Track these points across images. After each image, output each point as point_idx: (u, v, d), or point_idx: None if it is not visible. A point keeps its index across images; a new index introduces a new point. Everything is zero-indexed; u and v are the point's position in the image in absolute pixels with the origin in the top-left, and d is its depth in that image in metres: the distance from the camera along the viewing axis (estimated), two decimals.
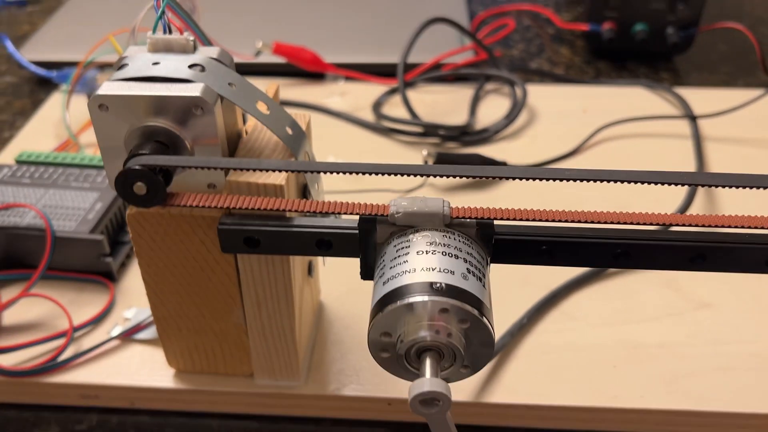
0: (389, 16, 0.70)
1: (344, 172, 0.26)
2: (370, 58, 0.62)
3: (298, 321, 0.33)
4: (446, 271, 0.24)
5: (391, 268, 0.25)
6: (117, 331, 0.37)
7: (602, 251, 0.27)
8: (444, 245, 0.25)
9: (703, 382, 0.35)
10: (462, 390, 0.34)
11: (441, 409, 0.23)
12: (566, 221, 0.26)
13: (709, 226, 0.26)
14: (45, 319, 0.38)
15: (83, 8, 0.73)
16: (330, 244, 0.28)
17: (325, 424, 0.35)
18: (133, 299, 0.39)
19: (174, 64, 0.28)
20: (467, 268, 0.25)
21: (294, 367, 0.34)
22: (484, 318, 0.24)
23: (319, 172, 0.27)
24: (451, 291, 0.23)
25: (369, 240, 0.27)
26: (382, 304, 0.24)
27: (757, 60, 0.64)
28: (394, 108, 0.56)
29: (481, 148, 0.52)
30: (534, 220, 0.26)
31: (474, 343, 0.24)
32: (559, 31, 0.72)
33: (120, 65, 0.28)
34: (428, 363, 0.23)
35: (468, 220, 0.26)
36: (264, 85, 0.56)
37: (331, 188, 0.48)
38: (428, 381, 0.23)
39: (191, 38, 0.29)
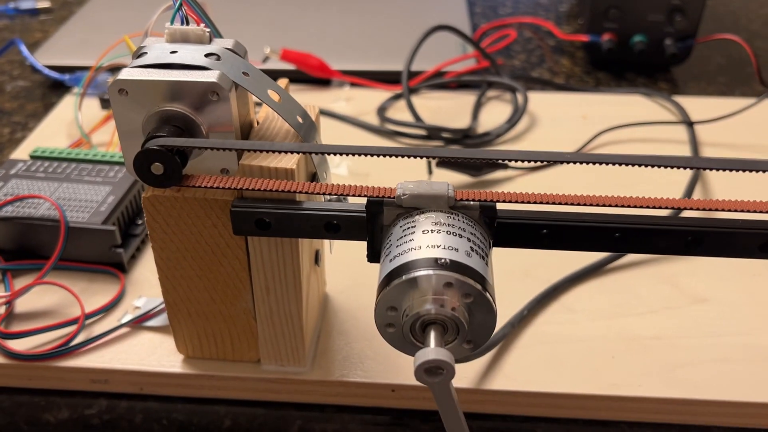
0: (394, 25, 0.72)
1: (354, 154, 0.27)
2: (375, 65, 0.64)
3: (305, 307, 0.33)
4: (450, 248, 0.25)
5: (397, 246, 0.26)
6: (127, 318, 0.38)
7: (600, 235, 0.28)
8: (448, 225, 0.26)
9: (699, 372, 0.36)
10: (465, 377, 0.35)
11: (445, 378, 0.24)
12: (566, 203, 0.27)
13: (704, 209, 0.27)
14: (57, 306, 0.39)
15: (94, 17, 0.75)
16: (338, 227, 0.29)
17: (329, 411, 0.36)
18: (143, 289, 0.40)
19: (191, 53, 0.29)
20: (471, 247, 0.26)
21: (300, 353, 0.35)
22: (486, 293, 0.25)
23: (331, 153, 0.28)
24: (455, 266, 0.24)
25: (376, 222, 0.28)
26: (388, 280, 0.25)
27: (753, 71, 0.66)
28: (399, 113, 0.58)
29: None
30: (535, 203, 0.27)
31: (477, 318, 0.25)
32: (559, 43, 0.74)
33: (139, 53, 0.29)
34: (432, 335, 0.24)
35: (471, 202, 0.27)
36: None
37: (336, 182, 0.49)
38: (433, 350, 0.23)
39: (207, 29, 0.30)
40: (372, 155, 0.27)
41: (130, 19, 0.72)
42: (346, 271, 0.41)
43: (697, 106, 0.58)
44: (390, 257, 0.26)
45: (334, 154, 0.28)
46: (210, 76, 0.28)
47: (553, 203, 0.27)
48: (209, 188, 0.28)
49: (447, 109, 0.59)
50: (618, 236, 0.28)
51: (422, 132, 0.55)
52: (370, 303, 0.39)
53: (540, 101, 0.60)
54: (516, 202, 0.27)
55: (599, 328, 0.38)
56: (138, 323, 0.38)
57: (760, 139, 0.55)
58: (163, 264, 0.32)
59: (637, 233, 0.28)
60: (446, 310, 0.24)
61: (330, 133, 0.56)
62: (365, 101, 0.59)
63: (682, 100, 0.60)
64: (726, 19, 0.80)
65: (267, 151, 0.29)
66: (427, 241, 0.25)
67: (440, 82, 0.61)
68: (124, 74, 0.28)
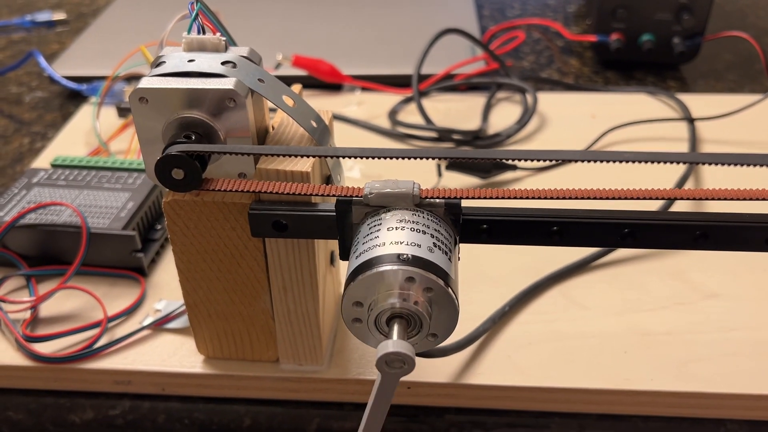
0: (403, 29, 0.72)
1: (368, 157, 0.28)
2: (386, 69, 0.65)
3: (321, 306, 0.34)
4: (413, 244, 0.26)
5: (363, 243, 0.27)
6: (148, 321, 0.39)
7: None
8: (413, 222, 0.27)
9: (711, 366, 0.36)
10: (480, 374, 0.36)
11: (405, 370, 0.25)
12: (522, 198, 0.27)
13: (704, 198, 0.28)
14: (80, 310, 0.40)
15: (109, 27, 0.76)
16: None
17: (347, 408, 0.37)
18: (163, 293, 0.41)
19: (208, 61, 0.30)
20: (434, 243, 0.27)
21: (317, 352, 0.36)
22: (449, 288, 0.26)
23: (349, 157, 0.29)
24: (417, 261, 0.25)
25: (346, 221, 0.29)
26: (353, 275, 0.26)
27: (761, 68, 0.66)
28: (409, 116, 0.59)
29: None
30: (495, 198, 0.28)
31: (439, 312, 0.26)
32: (568, 43, 0.74)
33: (157, 63, 0.30)
34: (396, 328, 0.25)
35: (437, 200, 0.28)
36: None
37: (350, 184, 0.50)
38: (394, 343, 0.24)
39: (223, 38, 0.31)
40: (381, 158, 0.28)
41: (144, 28, 0.74)
42: None
43: (704, 103, 0.59)
44: (356, 254, 0.27)
45: (346, 157, 0.28)
46: (227, 84, 0.29)
47: (511, 198, 0.27)
48: (228, 192, 0.29)
49: (457, 111, 0.60)
50: (627, 231, 0.29)
51: (433, 134, 0.55)
52: None
53: (549, 101, 0.60)
54: (478, 198, 0.28)
55: (611, 324, 0.39)
56: (159, 325, 0.39)
57: (762, 136, 0.55)
58: (183, 267, 0.33)
59: (645, 229, 0.28)
60: (409, 304, 0.25)
61: (342, 136, 0.56)
62: (376, 105, 0.60)
63: (687, 97, 0.60)
64: (734, 16, 0.80)
65: (283, 155, 0.29)
66: (391, 237, 0.26)
67: (450, 84, 0.62)
68: (144, 83, 0.29)
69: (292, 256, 0.32)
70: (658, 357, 0.37)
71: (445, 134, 0.55)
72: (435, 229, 0.27)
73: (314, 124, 0.32)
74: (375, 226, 0.27)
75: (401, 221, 0.27)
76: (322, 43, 0.70)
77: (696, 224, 0.28)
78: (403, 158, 0.28)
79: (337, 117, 0.58)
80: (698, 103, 0.59)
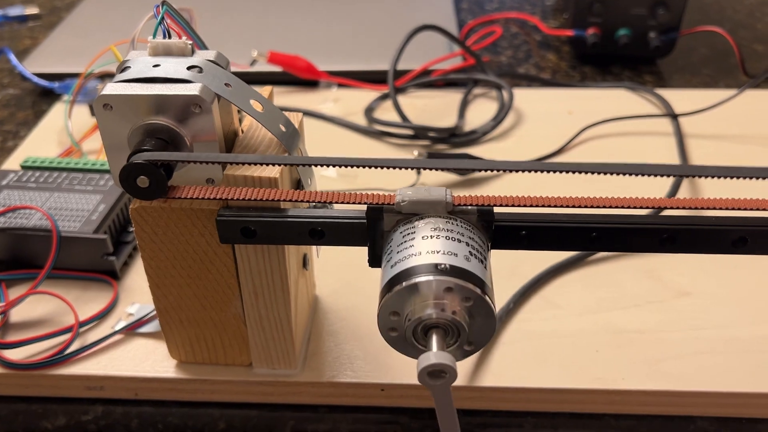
0: (380, 24, 0.72)
1: (338, 165, 0.28)
2: (363, 65, 0.64)
3: (293, 311, 0.34)
4: (450, 253, 0.26)
5: (398, 252, 0.27)
6: (120, 325, 0.39)
7: (578, 235, 0.29)
8: (447, 230, 0.27)
9: (682, 364, 0.37)
10: None
11: (447, 381, 0.24)
12: (557, 206, 0.28)
13: (684, 208, 0.28)
14: (51, 315, 0.40)
15: (82, 23, 0.75)
16: (322, 233, 0.30)
17: (321, 411, 0.37)
18: (135, 296, 0.41)
19: (173, 66, 0.30)
20: (469, 251, 0.26)
21: (291, 356, 0.36)
22: (486, 296, 0.25)
23: (315, 165, 0.29)
24: (454, 271, 0.25)
25: (376, 228, 0.29)
26: (390, 285, 0.26)
27: (736, 62, 0.66)
28: (386, 113, 0.58)
29: (470, 149, 0.54)
30: (529, 206, 0.28)
31: (477, 321, 0.26)
32: (545, 38, 0.74)
33: (122, 68, 0.30)
34: (434, 339, 0.25)
35: (469, 207, 0.28)
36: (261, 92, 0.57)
37: (325, 187, 0.50)
38: (435, 354, 0.24)
39: (189, 42, 0.31)
40: (355, 166, 0.28)
41: (117, 24, 0.73)
42: (335, 274, 0.42)
43: (681, 98, 0.59)
44: (391, 263, 0.27)
45: (317, 165, 0.28)
46: (192, 89, 0.28)
47: (546, 206, 0.28)
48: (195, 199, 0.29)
49: (434, 108, 0.59)
50: (594, 235, 0.29)
51: (409, 132, 0.55)
52: (359, 304, 0.40)
53: (526, 97, 0.60)
54: (512, 206, 0.28)
55: (583, 323, 0.39)
56: (131, 330, 0.39)
57: (743, 129, 0.56)
58: (152, 273, 0.33)
59: (613, 233, 0.28)
60: (447, 314, 0.25)
61: (318, 134, 0.56)
62: (353, 102, 0.60)
63: (666, 93, 0.60)
64: (711, 8, 0.80)
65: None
66: (426, 246, 0.26)
67: (427, 80, 0.62)
68: (108, 89, 0.29)
69: (262, 261, 0.32)
70: (629, 355, 0.37)
71: (421, 132, 0.54)
72: (469, 237, 0.27)
73: (283, 129, 0.32)
74: (408, 234, 0.27)
75: (435, 229, 0.27)
76: (297, 38, 0.70)
77: (662, 227, 0.28)
78: (375, 168, 0.28)
79: (313, 114, 0.58)
80: (677, 97, 0.59)
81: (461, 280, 0.25)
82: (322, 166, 0.28)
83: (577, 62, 0.69)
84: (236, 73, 0.63)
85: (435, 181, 0.51)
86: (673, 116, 0.56)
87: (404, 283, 0.25)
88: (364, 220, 0.29)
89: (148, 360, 0.37)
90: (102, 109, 0.29)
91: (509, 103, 0.57)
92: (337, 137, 0.56)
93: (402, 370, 0.36)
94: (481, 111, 0.59)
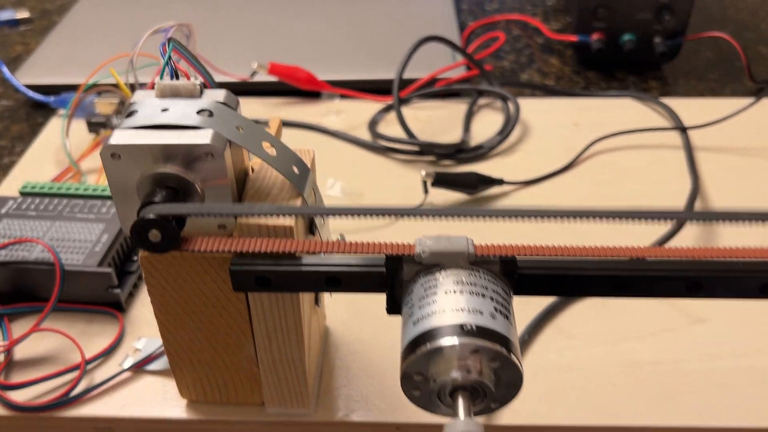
0: (382, 30, 0.71)
1: (355, 215, 0.27)
2: (364, 74, 0.63)
3: (307, 350, 0.33)
4: (475, 311, 0.25)
5: (420, 308, 0.26)
6: (128, 362, 0.38)
7: (604, 282, 0.28)
8: (471, 284, 0.26)
9: (701, 398, 0.36)
10: None
11: None
12: (583, 256, 0.27)
13: (706, 258, 0.27)
14: (56, 352, 0.39)
15: (76, 28, 0.73)
16: (339, 281, 0.29)
17: None
18: (142, 329, 0.40)
19: (182, 110, 0.28)
20: (495, 307, 0.26)
21: (304, 396, 0.35)
22: (512, 355, 0.25)
23: (332, 215, 0.28)
24: (480, 332, 0.24)
25: (395, 278, 0.28)
26: (413, 346, 0.25)
27: (742, 65, 0.66)
28: (390, 125, 0.57)
29: (477, 165, 0.53)
30: (552, 255, 0.27)
31: (503, 380, 0.25)
32: (548, 41, 0.73)
33: (129, 112, 0.29)
34: (461, 403, 0.24)
35: (492, 257, 0.27)
36: (261, 104, 0.57)
37: (330, 204, 0.49)
38: (462, 422, 0.24)
39: (198, 82, 0.30)
40: (377, 215, 0.27)
41: (113, 29, 0.71)
42: (344, 304, 0.41)
43: (688, 107, 0.58)
44: (413, 319, 0.26)
45: (335, 215, 0.27)
46: (203, 137, 0.27)
47: (570, 256, 0.27)
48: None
49: (438, 120, 0.58)
50: (619, 283, 0.28)
51: (415, 148, 0.54)
52: (371, 336, 0.40)
53: (531, 108, 0.59)
54: (534, 255, 0.27)
55: (599, 354, 0.39)
56: (139, 367, 0.38)
57: (753, 142, 0.55)
58: (163, 318, 0.32)
59: (638, 280, 0.28)
60: (473, 376, 0.24)
61: (321, 148, 0.55)
62: (356, 114, 0.59)
63: (672, 102, 0.60)
64: (713, 8, 0.79)
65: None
66: (450, 304, 0.25)
67: (431, 91, 0.61)
68: (116, 138, 0.27)
69: (275, 306, 0.31)
70: (647, 389, 0.37)
71: (427, 148, 0.53)
72: (494, 290, 0.26)
73: (295, 170, 0.31)
74: (430, 288, 0.26)
75: (458, 283, 0.26)
76: (298, 46, 0.68)
77: (688, 276, 0.28)
78: (391, 215, 0.27)
79: (315, 128, 0.57)
80: (684, 107, 0.58)
81: (488, 342, 0.24)
82: (337, 216, 0.27)
83: (581, 67, 0.68)
84: (237, 84, 0.62)
85: (443, 199, 0.50)
86: (683, 129, 0.56)
87: (428, 345, 0.25)
88: (383, 269, 0.28)
89: (158, 399, 0.36)
90: (110, 159, 0.28)
91: (515, 116, 0.56)
92: (341, 152, 0.55)
93: (417, 408, 0.36)
94: (487, 123, 0.58)
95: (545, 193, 0.50)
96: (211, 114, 0.29)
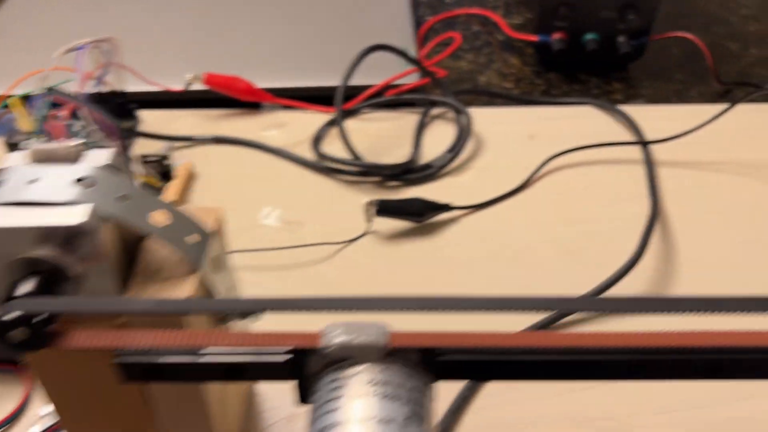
0: (329, 31, 0.66)
1: (273, 310, 0.24)
2: (309, 81, 0.59)
3: (218, 428, 0.30)
4: (386, 420, 0.22)
5: (324, 414, 0.23)
6: None
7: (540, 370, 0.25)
8: (383, 383, 0.23)
9: None
10: None
11: None
12: (508, 345, 0.24)
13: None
14: None
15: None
16: (242, 371, 0.25)
17: None
18: None
19: (55, 181, 0.25)
20: (410, 409, 0.22)
21: None
22: None
23: (239, 314, 0.24)
24: None
25: (303, 369, 0.25)
26: None
27: (708, 65, 0.62)
28: (335, 141, 0.53)
29: (426, 187, 0.50)
30: (480, 345, 0.24)
31: None
32: (508, 38, 0.69)
33: None
34: None
35: (409, 349, 0.24)
36: (197, 117, 0.52)
37: (266, 237, 0.45)
38: None
39: (76, 144, 0.26)
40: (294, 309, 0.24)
41: (41, 34, 0.66)
42: None
43: (652, 116, 0.55)
44: (318, 427, 0.23)
45: (242, 316, 0.24)
46: (75, 217, 0.24)
47: (498, 345, 0.24)
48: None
49: (388, 133, 0.55)
50: (556, 368, 0.25)
51: (360, 168, 0.51)
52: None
53: (485, 118, 0.56)
54: (459, 347, 0.24)
55: (545, 407, 0.36)
56: None
57: (720, 155, 0.52)
58: (62, 411, 0.29)
59: (572, 365, 0.25)
60: None
61: (260, 168, 0.52)
62: (299, 128, 0.55)
63: (635, 110, 0.56)
64: (681, 1, 0.75)
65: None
66: (357, 412, 0.22)
67: (381, 101, 0.57)
68: None
69: (176, 391, 0.28)
70: None
71: (372, 169, 0.50)
72: (409, 388, 0.23)
73: (194, 240, 0.27)
74: (336, 390, 0.23)
75: (370, 382, 0.23)
76: (237, 50, 0.63)
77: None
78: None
79: (255, 145, 0.53)
80: (648, 115, 0.55)
81: None
82: (246, 316, 0.24)
83: (542, 68, 0.65)
84: (171, 95, 0.57)
85: (388, 228, 0.47)
86: (644, 143, 0.52)
87: None
88: (290, 360, 0.25)
89: None
90: None
91: (467, 131, 0.52)
92: (280, 173, 0.51)
93: None
94: (439, 135, 0.54)
95: (495, 217, 0.47)
96: (90, 183, 0.25)
